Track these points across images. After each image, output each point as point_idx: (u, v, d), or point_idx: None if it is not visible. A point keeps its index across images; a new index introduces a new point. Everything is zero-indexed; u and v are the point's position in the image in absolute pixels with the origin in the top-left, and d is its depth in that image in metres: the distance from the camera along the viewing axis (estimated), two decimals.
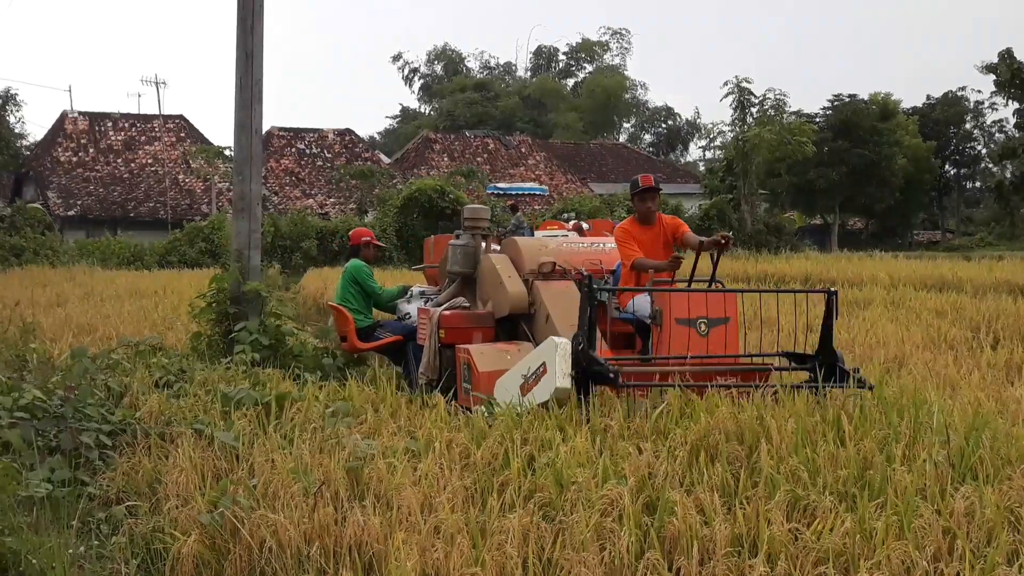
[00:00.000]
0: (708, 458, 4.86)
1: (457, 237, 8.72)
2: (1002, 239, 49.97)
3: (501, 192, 39.79)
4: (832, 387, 6.33)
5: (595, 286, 6.39)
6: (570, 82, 78.19)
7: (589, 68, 78.18)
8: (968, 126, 66.63)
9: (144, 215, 41.55)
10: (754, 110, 41.97)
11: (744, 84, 41.46)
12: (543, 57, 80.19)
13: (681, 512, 4.07)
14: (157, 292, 17.07)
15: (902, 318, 12.15)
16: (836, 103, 53.69)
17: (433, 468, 4.90)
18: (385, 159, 50.75)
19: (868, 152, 50.92)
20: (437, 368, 8.06)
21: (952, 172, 67.22)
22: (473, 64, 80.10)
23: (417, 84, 78.76)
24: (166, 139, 45.81)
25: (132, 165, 44.52)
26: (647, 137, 78.58)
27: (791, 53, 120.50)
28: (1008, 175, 55.30)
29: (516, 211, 33.55)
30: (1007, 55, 50.58)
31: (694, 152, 79.06)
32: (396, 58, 78.26)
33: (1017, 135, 54.98)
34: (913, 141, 54.76)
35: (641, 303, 7.36)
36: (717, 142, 50.17)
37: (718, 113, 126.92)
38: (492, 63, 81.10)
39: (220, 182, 40.47)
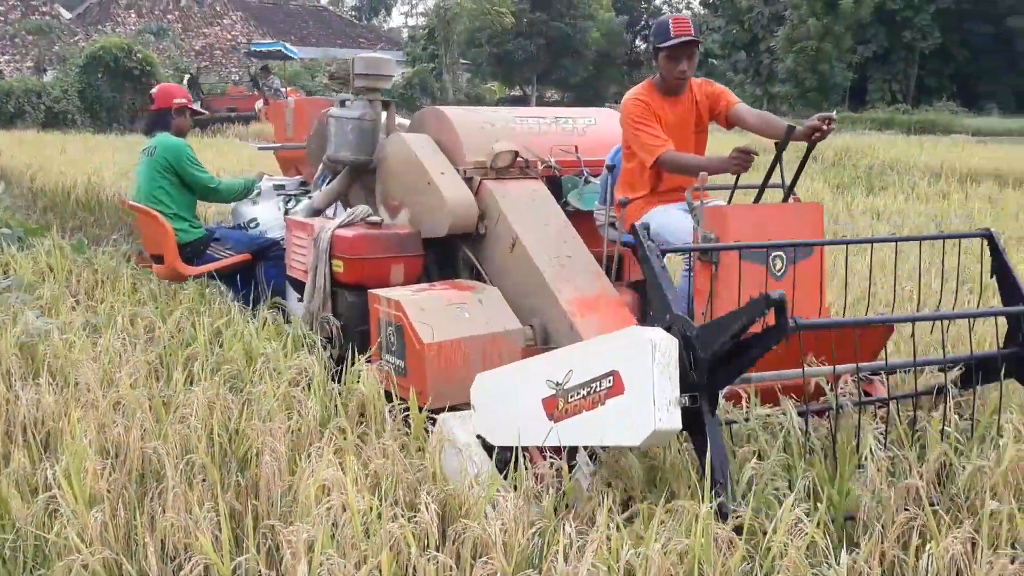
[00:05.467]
0: None
1: (343, 105, 5.66)
2: None
3: (261, 51, 35.10)
4: None
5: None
6: None
7: None
8: (658, 2, 69.51)
9: None
10: None
11: None
12: None
13: (368, 379, 4.17)
14: None
15: None
16: None
17: (115, 343, 4.75)
18: (66, 14, 46.87)
19: (564, 25, 52.19)
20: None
21: (642, 47, 70.16)
22: None
23: None
24: None
25: None
26: (350, 0, 76.80)
27: None
28: None
29: (269, 73, 31.83)
30: None
31: (397, 18, 78.22)
32: None
33: (702, 12, 57.94)
34: (606, 15, 56.62)
35: (673, 224, 4.67)
36: (419, 8, 50.01)
37: None
38: None
39: None
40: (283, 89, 30.40)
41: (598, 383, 3.20)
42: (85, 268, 6.59)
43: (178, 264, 6.34)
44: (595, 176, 5.47)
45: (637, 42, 65.77)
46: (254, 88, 30.52)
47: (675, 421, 3.04)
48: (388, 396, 4.16)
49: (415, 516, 2.96)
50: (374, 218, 5.24)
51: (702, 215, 4.16)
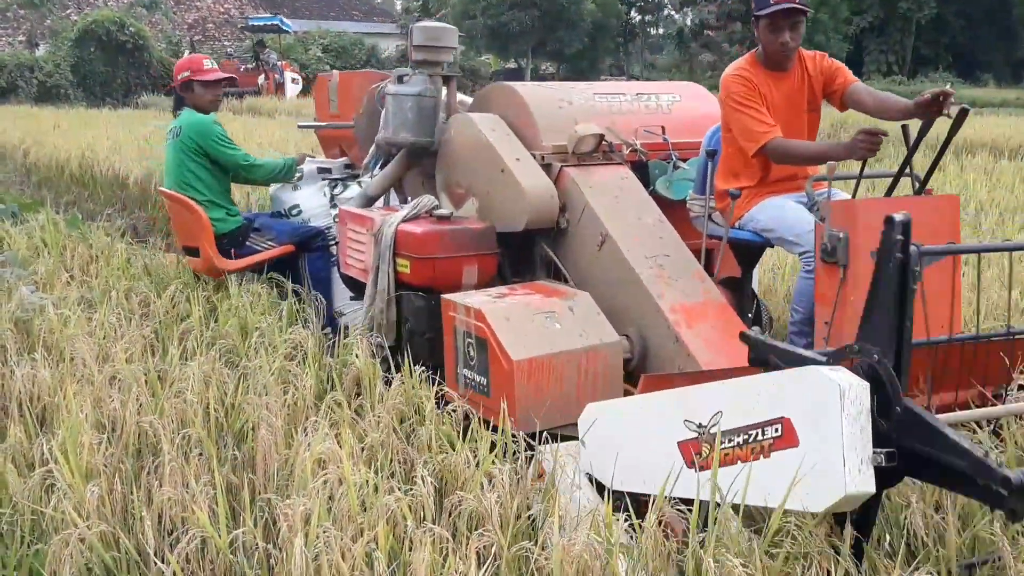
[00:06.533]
0: None
1: (400, 80, 4.94)
2: None
3: (259, 25, 34.28)
4: None
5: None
6: None
7: None
8: None
9: None
10: None
11: None
12: None
13: (362, 353, 4.17)
14: None
15: None
16: None
17: (110, 318, 4.75)
18: None
19: None
20: (393, 326, 4.48)
21: (637, 18, 69.84)
22: None
23: None
24: None
25: None
26: None
27: None
28: (688, 22, 58.10)
29: (265, 47, 31.69)
30: None
31: None
32: None
33: None
34: None
35: (790, 218, 4.12)
36: None
37: None
38: None
39: None
40: (279, 63, 30.27)
41: (759, 431, 2.58)
42: (80, 243, 6.59)
43: (214, 255, 5.64)
44: (684, 160, 4.85)
45: (632, 13, 65.55)
46: (255, 63, 30.40)
47: (868, 483, 2.40)
48: (384, 367, 4.16)
49: (411, 489, 2.97)
50: (442, 211, 4.54)
51: (828, 210, 3.52)
